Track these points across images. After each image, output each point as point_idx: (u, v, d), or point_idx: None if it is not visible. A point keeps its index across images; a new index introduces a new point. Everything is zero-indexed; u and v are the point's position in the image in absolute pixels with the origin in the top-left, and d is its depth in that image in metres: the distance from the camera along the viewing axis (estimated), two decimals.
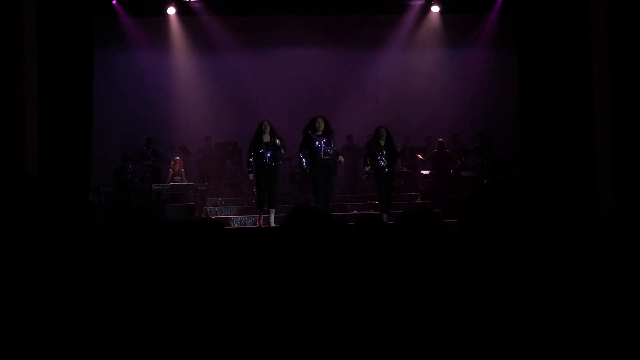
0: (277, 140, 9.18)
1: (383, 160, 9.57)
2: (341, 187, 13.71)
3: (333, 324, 1.98)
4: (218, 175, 13.19)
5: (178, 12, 13.36)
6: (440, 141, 12.54)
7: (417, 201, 11.99)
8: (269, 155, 9.17)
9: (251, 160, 9.23)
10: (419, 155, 12.90)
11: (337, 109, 14.56)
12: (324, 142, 9.09)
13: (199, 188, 11.92)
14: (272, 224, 9.11)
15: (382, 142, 9.68)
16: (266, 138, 9.22)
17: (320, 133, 9.13)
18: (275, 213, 9.37)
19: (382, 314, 2.16)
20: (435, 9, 13.31)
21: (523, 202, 9.71)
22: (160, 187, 11.49)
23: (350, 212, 11.74)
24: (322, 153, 9.03)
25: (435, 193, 11.87)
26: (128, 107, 13.51)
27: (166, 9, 13.17)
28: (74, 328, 2.17)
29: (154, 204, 10.59)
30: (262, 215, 9.58)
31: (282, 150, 9.36)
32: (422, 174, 12.41)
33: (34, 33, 9.44)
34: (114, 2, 13.30)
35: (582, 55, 10.30)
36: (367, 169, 10.04)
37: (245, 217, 10.44)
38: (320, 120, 9.23)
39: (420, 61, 14.44)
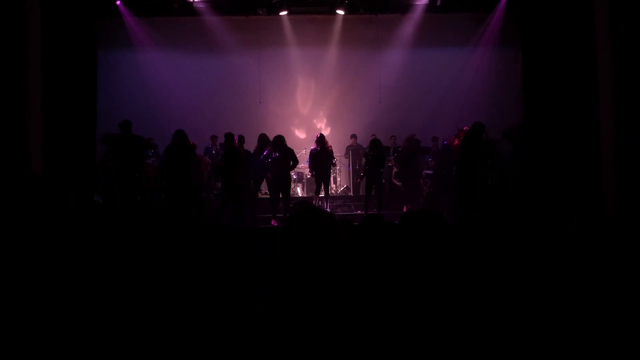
0: None
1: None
2: (345, 187, 13.75)
3: (337, 322, 1.98)
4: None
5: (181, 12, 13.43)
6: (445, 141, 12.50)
7: (421, 201, 11.98)
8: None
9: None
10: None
11: (340, 109, 14.58)
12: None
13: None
14: None
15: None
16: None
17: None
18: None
19: (385, 313, 2.16)
20: None
21: (527, 201, 9.67)
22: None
23: (354, 212, 11.76)
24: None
25: (439, 193, 11.83)
26: (132, 107, 13.49)
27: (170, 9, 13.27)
28: (76, 327, 2.18)
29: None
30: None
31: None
32: (426, 173, 12.37)
33: (38, 34, 9.47)
34: (117, 2, 13.33)
35: (586, 54, 10.28)
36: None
37: None
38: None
39: (423, 61, 14.41)
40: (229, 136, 10.46)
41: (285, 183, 10.48)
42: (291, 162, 10.52)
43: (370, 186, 10.84)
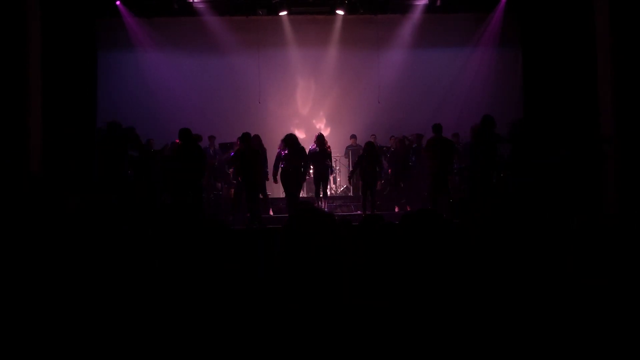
0: None
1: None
2: (345, 187, 13.74)
3: (337, 322, 1.98)
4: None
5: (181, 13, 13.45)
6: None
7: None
8: None
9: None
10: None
11: (340, 109, 14.57)
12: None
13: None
14: None
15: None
16: None
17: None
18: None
19: (385, 312, 2.16)
20: None
21: (527, 201, 9.69)
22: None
23: (354, 212, 11.75)
24: None
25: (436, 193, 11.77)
26: (132, 107, 13.50)
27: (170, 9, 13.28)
28: (75, 327, 2.18)
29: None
30: None
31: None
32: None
33: (38, 34, 9.48)
34: (117, 2, 13.33)
35: (586, 54, 10.28)
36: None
37: None
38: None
39: (423, 61, 14.40)
40: (246, 136, 10.35)
41: (296, 181, 10.43)
42: (302, 162, 10.47)
43: (366, 188, 10.83)
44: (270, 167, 10.91)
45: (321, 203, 11.01)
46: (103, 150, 9.82)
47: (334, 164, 13.07)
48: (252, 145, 10.48)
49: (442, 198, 10.62)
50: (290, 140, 10.38)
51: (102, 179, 9.75)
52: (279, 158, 10.48)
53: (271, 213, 11.44)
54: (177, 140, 10.20)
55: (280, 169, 10.44)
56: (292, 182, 10.41)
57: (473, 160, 10.04)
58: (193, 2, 13.43)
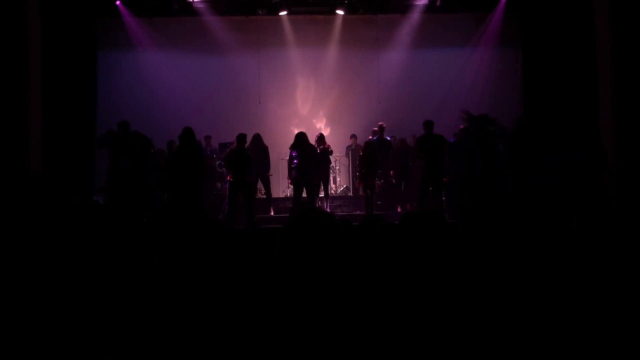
0: None
1: None
2: (345, 187, 13.74)
3: (337, 322, 1.98)
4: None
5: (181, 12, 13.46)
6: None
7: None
8: None
9: None
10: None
11: (340, 109, 14.57)
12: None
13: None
14: None
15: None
16: None
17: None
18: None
19: (385, 313, 2.16)
20: None
21: (528, 201, 9.69)
22: None
23: (354, 212, 11.75)
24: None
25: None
26: (132, 107, 13.49)
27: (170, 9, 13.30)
28: (74, 327, 2.18)
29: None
30: None
31: None
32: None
33: (38, 34, 9.48)
34: (117, 2, 13.34)
35: (587, 54, 10.29)
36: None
37: None
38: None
39: (424, 61, 14.41)
40: (241, 137, 10.19)
41: (308, 182, 10.24)
42: (313, 164, 10.24)
43: (366, 188, 10.84)
44: (274, 165, 10.83)
45: (322, 203, 10.97)
46: (114, 150, 9.71)
47: (333, 164, 13.08)
48: (248, 146, 10.40)
49: (437, 196, 10.53)
50: (299, 141, 10.18)
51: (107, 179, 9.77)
52: (291, 159, 10.26)
53: (272, 213, 11.40)
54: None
55: (294, 171, 10.21)
56: (306, 184, 10.23)
57: (470, 161, 10.01)
58: (193, 2, 13.44)
